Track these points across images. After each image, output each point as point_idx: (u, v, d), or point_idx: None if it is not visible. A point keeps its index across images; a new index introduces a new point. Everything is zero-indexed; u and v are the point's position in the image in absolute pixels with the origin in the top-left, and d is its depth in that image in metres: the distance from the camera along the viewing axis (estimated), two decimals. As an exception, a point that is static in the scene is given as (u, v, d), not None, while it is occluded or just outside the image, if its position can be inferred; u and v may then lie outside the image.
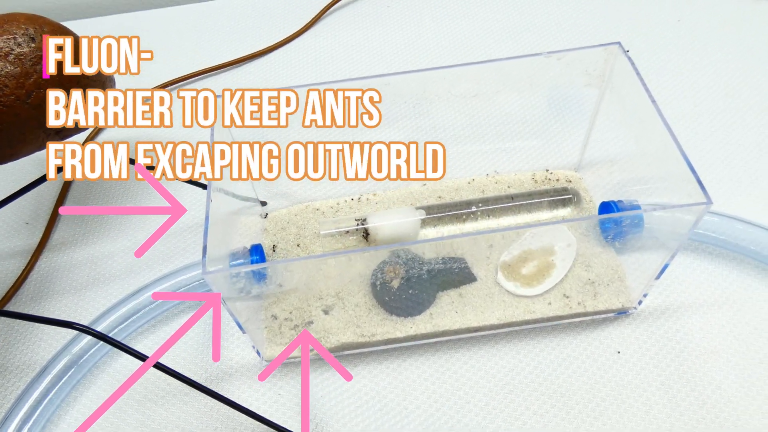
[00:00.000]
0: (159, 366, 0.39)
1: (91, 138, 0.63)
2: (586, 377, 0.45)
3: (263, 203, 0.55)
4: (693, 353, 0.45)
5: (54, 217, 0.57)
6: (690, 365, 0.45)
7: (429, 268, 0.47)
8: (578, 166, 0.55)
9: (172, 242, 0.55)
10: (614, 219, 0.48)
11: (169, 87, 0.67)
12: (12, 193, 0.48)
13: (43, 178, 0.48)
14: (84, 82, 0.47)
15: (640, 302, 0.47)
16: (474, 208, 0.51)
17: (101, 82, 0.49)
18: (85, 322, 0.50)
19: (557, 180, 0.54)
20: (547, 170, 0.55)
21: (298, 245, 0.52)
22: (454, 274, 0.48)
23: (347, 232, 0.51)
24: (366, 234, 0.50)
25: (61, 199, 0.58)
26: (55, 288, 0.53)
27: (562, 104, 0.57)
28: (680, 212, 0.39)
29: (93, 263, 0.54)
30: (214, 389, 0.40)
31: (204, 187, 0.52)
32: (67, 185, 0.59)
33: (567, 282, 0.48)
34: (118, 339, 0.45)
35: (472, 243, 0.49)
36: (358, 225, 0.50)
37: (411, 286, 0.47)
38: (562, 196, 0.52)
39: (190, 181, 0.51)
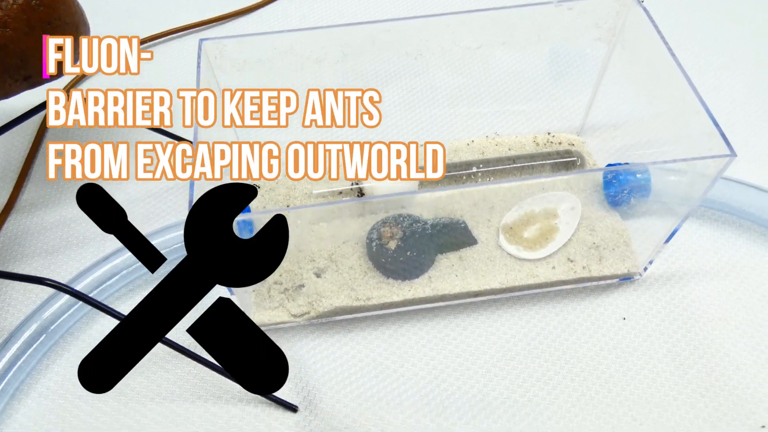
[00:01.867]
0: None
1: (72, 85, 0.59)
2: (591, 344, 0.43)
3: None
4: (700, 320, 0.44)
5: (23, 175, 0.53)
6: (697, 332, 0.43)
7: (428, 229, 0.45)
8: (581, 129, 0.53)
9: (152, 203, 0.51)
10: (620, 180, 0.46)
11: (151, 42, 0.63)
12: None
13: (7, 125, 0.44)
14: (56, 24, 0.43)
15: (645, 268, 0.45)
16: (474, 169, 0.48)
17: (75, 25, 0.45)
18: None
19: (560, 143, 0.52)
20: (549, 133, 0.53)
21: (287, 206, 0.49)
22: (454, 236, 0.46)
23: (341, 192, 0.48)
24: (361, 194, 0.47)
25: (31, 156, 0.54)
26: (24, 251, 0.49)
27: (566, 62, 0.55)
28: (698, 168, 0.37)
29: (66, 225, 0.51)
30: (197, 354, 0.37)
31: (188, 142, 0.48)
32: (38, 141, 0.55)
33: (571, 246, 0.46)
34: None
35: (472, 204, 0.47)
36: (352, 185, 0.47)
37: (409, 247, 0.44)
38: (566, 159, 0.49)
39: (175, 136, 0.47)
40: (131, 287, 0.47)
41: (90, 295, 0.44)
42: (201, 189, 0.36)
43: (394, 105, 0.54)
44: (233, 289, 0.40)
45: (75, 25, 0.44)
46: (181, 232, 0.46)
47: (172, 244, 0.46)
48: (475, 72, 0.55)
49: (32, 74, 0.43)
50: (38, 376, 0.43)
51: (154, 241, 0.46)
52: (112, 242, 0.48)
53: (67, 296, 0.43)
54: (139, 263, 0.45)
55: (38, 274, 0.47)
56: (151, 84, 0.60)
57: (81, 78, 0.60)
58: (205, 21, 0.64)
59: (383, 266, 0.44)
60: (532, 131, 0.53)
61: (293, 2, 0.67)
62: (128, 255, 0.45)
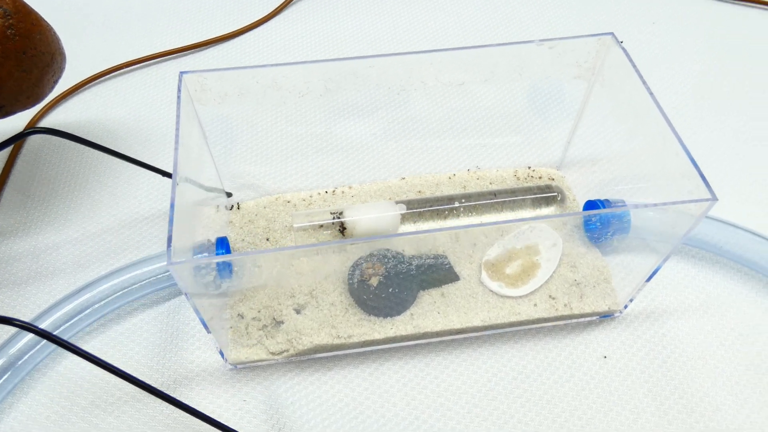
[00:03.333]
0: (109, 367, 0.34)
1: (40, 115, 0.58)
2: (572, 383, 0.43)
3: (228, 194, 0.51)
4: (680, 359, 0.44)
5: (-8, 204, 0.51)
6: (677, 371, 0.43)
7: (410, 266, 0.44)
8: (561, 164, 0.53)
9: (126, 234, 0.50)
10: (600, 218, 0.46)
11: (124, 69, 0.62)
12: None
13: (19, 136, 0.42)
14: (31, 54, 0.42)
15: (626, 306, 0.45)
16: (456, 204, 0.48)
17: (51, 55, 0.44)
18: (25, 319, 0.44)
19: (539, 177, 0.52)
20: (530, 167, 0.53)
21: (267, 239, 0.48)
22: (436, 273, 0.45)
23: (322, 226, 0.47)
24: (342, 228, 0.46)
25: (0, 184, 0.53)
26: (-9, 282, 0.47)
27: (546, 98, 0.55)
28: (679, 211, 0.37)
29: (35, 255, 0.49)
30: (171, 395, 0.36)
31: (167, 174, 0.47)
32: (8, 168, 0.54)
33: (552, 283, 0.45)
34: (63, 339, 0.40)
35: (455, 240, 0.46)
36: (334, 218, 0.47)
37: (391, 284, 0.43)
38: (546, 194, 0.49)
39: (153, 168, 0.46)
40: (102, 321, 0.45)
41: (58, 331, 0.42)
42: (180, 220, 0.35)
43: (377, 137, 0.53)
44: (210, 327, 0.39)
45: (51, 55, 0.43)
46: (162, 263, 0.45)
47: (152, 276, 0.44)
48: (457, 105, 0.55)
49: (5, 104, 0.42)
50: (2, 415, 0.41)
51: (134, 272, 0.44)
52: (82, 274, 0.47)
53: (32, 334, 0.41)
54: (111, 297, 0.44)
55: (5, 307, 0.46)
56: (129, 112, 0.58)
57: (51, 107, 0.58)
58: (183, 48, 0.63)
59: (364, 303, 0.43)
60: (512, 165, 0.53)
61: (274, 29, 0.67)
62: (99, 289, 0.44)
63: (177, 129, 0.38)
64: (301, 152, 0.52)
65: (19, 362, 0.41)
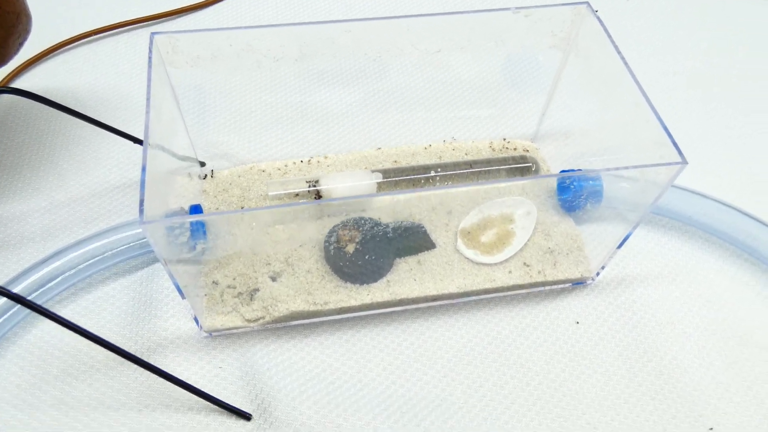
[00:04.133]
0: (83, 332, 0.33)
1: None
2: (545, 347, 0.43)
3: (202, 164, 0.50)
4: (649, 324, 0.45)
5: (-45, 172, 0.50)
6: (647, 336, 0.44)
7: (386, 233, 0.44)
8: (535, 136, 0.53)
9: (96, 203, 0.49)
10: (574, 187, 0.46)
11: (95, 36, 0.60)
12: None
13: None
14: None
15: (598, 273, 0.46)
16: (432, 173, 0.48)
17: (16, 15, 0.42)
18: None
19: (515, 149, 0.52)
20: (505, 139, 0.53)
21: (242, 208, 0.47)
22: (413, 240, 0.45)
23: (297, 195, 0.47)
24: (318, 197, 0.46)
25: (-36, 152, 0.51)
26: (-45, 251, 0.46)
27: (521, 70, 0.55)
28: (649, 176, 0.38)
29: (3, 224, 0.47)
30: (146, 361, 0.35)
31: (138, 141, 0.46)
32: (-29, 136, 0.52)
33: (527, 251, 0.46)
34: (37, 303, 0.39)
35: (431, 209, 0.47)
36: (309, 187, 0.46)
37: (367, 251, 0.43)
38: (521, 165, 0.50)
39: (123, 134, 0.45)
40: (73, 290, 0.44)
41: (30, 297, 0.41)
42: (152, 187, 0.35)
43: (353, 106, 0.53)
44: (185, 293, 0.38)
45: (16, 15, 0.42)
46: (136, 231, 0.44)
47: (124, 244, 0.43)
48: (434, 77, 0.55)
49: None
50: (-31, 386, 0.40)
51: (106, 240, 0.43)
52: (53, 242, 0.46)
53: (3, 299, 0.40)
54: (83, 265, 0.43)
55: (-29, 277, 0.44)
56: (99, 80, 0.57)
57: (18, 72, 0.57)
58: (156, 15, 0.62)
59: (341, 270, 0.43)
60: (488, 137, 0.53)
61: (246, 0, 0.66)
62: (71, 256, 0.43)
63: (148, 92, 0.37)
64: (277, 121, 0.52)
65: (-13, 330, 0.40)
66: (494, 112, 0.54)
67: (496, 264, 0.45)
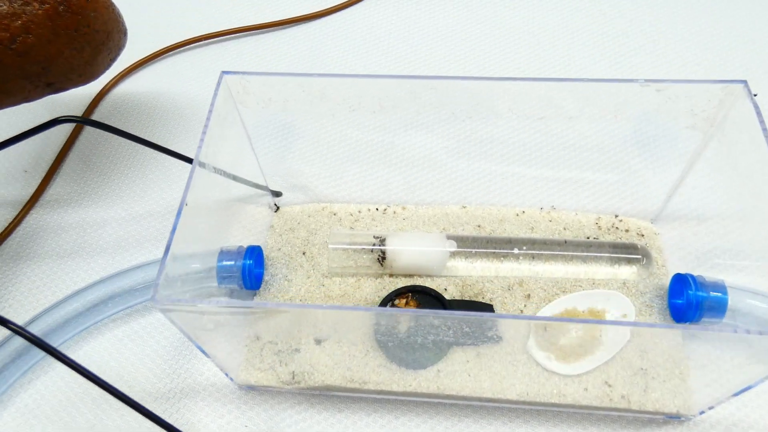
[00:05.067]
0: (91, 377, 0.32)
1: (98, 99, 0.57)
2: (614, 489, 0.36)
3: (276, 194, 0.47)
4: (758, 489, 0.36)
5: (53, 169, 0.51)
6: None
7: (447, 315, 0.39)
8: (657, 217, 0.44)
9: (170, 221, 0.48)
10: (690, 295, 0.38)
11: (203, 41, 0.59)
12: (14, 135, 0.41)
13: (49, 124, 0.41)
14: (84, 32, 0.40)
15: (702, 412, 0.37)
16: (516, 251, 0.42)
17: (106, 33, 0.42)
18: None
19: (626, 231, 0.44)
20: (617, 216, 0.45)
21: (303, 253, 0.44)
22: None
23: (361, 249, 0.42)
24: (382, 257, 0.42)
25: (65, 151, 0.53)
26: (38, 250, 0.47)
27: (651, 139, 0.46)
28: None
29: (83, 228, 0.49)
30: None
31: (189, 160, 0.44)
32: (73, 137, 0.54)
33: (612, 366, 0.38)
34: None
35: (506, 288, 0.41)
36: (374, 245, 0.42)
37: (421, 331, 0.38)
38: (629, 255, 0.42)
39: (176, 154, 0.43)
40: (115, 317, 0.44)
41: (78, 318, 0.41)
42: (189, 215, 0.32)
43: (441, 152, 0.47)
44: (214, 348, 0.36)
45: (106, 33, 0.41)
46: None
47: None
48: (539, 129, 0.47)
49: (55, 81, 0.41)
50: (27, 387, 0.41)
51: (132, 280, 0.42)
52: (122, 256, 0.46)
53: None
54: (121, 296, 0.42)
55: (45, 278, 0.46)
56: (171, 96, 0.56)
57: (110, 88, 0.57)
58: (265, 24, 0.60)
59: (387, 347, 0.39)
60: (596, 210, 0.45)
61: (363, 12, 0.61)
62: (109, 288, 0.42)
63: (205, 126, 0.34)
64: (357, 159, 0.48)
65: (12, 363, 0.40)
66: (610, 178, 0.46)
67: (570, 376, 0.38)
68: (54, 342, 0.40)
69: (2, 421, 0.39)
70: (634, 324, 0.37)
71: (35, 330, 0.40)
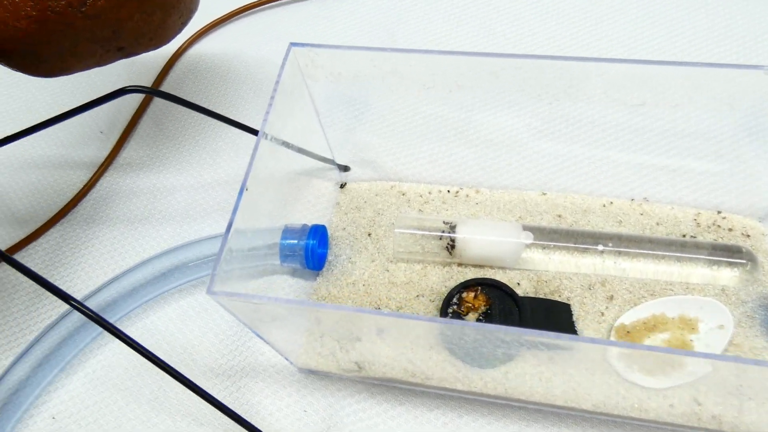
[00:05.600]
0: (147, 355, 0.32)
1: (171, 63, 0.56)
2: None
3: (344, 168, 0.45)
4: None
5: (127, 132, 0.52)
6: None
7: (521, 310, 0.36)
8: (767, 215, 0.39)
9: (196, 196, 0.48)
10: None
11: (273, 3, 0.57)
12: (92, 100, 0.41)
13: (115, 93, 0.41)
14: (155, -5, 0.38)
15: (805, 440, 0.33)
16: (601, 247, 0.38)
17: (178, -5, 0.40)
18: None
19: (729, 230, 0.39)
20: (719, 212, 0.40)
21: (369, 234, 0.42)
22: (552, 325, 0.37)
23: (429, 235, 0.40)
24: (452, 245, 0.39)
25: (138, 115, 0.53)
26: (111, 214, 0.48)
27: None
28: None
29: (153, 194, 0.49)
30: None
31: (255, 132, 0.42)
32: (146, 102, 0.53)
33: (704, 381, 0.35)
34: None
35: (587, 287, 0.37)
36: (443, 232, 0.39)
37: (488, 344, 0.36)
38: (731, 258, 0.37)
39: (241, 125, 0.41)
40: (182, 288, 0.44)
41: (142, 289, 0.42)
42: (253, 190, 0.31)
43: (522, 132, 0.43)
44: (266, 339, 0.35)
45: (176, -2, 0.40)
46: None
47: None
48: (634, 110, 0.43)
49: (125, 45, 0.40)
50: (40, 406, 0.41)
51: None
52: (189, 225, 0.46)
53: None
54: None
55: (116, 243, 0.46)
56: (243, 60, 0.55)
57: (182, 52, 0.56)
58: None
59: (454, 343, 0.37)
60: (695, 203, 0.41)
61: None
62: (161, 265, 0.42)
63: (272, 99, 0.33)
64: (431, 136, 0.45)
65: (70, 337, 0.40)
66: (713, 168, 0.41)
67: (654, 389, 0.35)
68: (120, 312, 0.41)
69: (72, 386, 0.40)
70: (725, 359, 0.33)
71: (102, 299, 0.40)
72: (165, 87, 0.55)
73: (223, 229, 0.45)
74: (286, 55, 0.34)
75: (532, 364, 0.36)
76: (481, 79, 0.33)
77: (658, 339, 0.36)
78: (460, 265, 0.40)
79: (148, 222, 0.47)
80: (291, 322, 0.34)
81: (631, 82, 0.31)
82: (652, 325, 0.36)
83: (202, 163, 0.50)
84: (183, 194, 0.48)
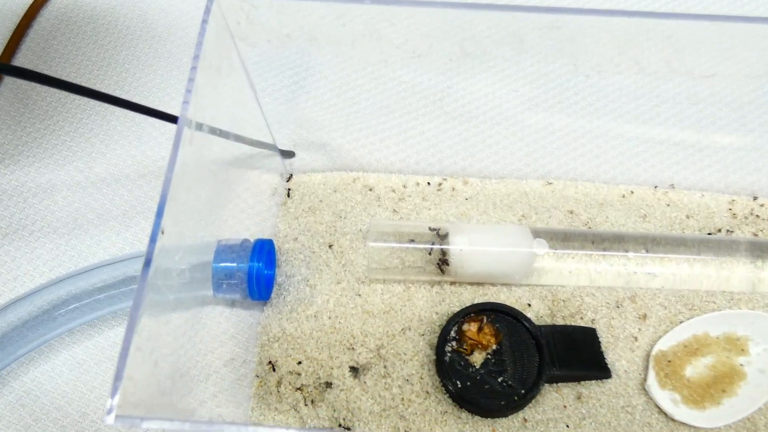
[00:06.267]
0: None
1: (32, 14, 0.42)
2: None
3: (288, 154, 0.35)
4: None
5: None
6: None
7: (535, 340, 0.28)
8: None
9: (139, 187, 0.36)
10: None
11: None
12: None
13: None
14: None
15: None
16: (631, 254, 0.31)
17: None
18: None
19: (770, 219, 0.33)
20: (755, 198, 0.34)
21: (330, 246, 0.33)
22: (575, 357, 0.29)
23: (412, 240, 0.31)
24: (444, 260, 0.30)
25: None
26: None
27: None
28: None
29: (23, 197, 0.36)
30: None
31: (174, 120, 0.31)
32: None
33: (765, 413, 0.29)
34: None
35: (614, 304, 0.30)
36: (432, 244, 0.30)
37: (501, 368, 0.28)
38: (780, 258, 0.31)
39: (151, 111, 0.30)
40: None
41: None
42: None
43: (520, 103, 0.35)
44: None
45: None
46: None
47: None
48: (659, 76, 0.35)
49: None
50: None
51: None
52: (83, 236, 0.34)
53: None
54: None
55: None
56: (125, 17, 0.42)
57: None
58: None
59: (456, 389, 0.28)
60: (729, 189, 0.34)
61: None
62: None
63: (192, 72, 0.22)
64: (401, 111, 0.35)
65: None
66: (748, 143, 0.34)
67: (706, 428, 0.29)
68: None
69: None
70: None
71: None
72: (24, 54, 0.40)
73: (126, 243, 0.34)
74: (208, 7, 0.23)
75: (555, 407, 0.29)
76: (498, 44, 0.23)
77: (701, 365, 0.30)
78: (453, 283, 0.31)
79: (18, 237, 0.35)
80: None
81: (649, 38, 0.23)
82: (695, 349, 0.30)
83: (89, 152, 0.38)
84: (66, 195, 0.37)
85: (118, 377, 0.17)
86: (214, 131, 0.28)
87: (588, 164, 0.34)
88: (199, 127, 0.25)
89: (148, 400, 0.18)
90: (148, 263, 0.20)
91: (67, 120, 0.39)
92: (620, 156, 0.34)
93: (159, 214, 0.21)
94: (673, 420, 0.29)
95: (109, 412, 0.17)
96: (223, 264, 0.30)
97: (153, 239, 0.20)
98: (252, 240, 0.31)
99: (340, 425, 0.28)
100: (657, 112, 0.35)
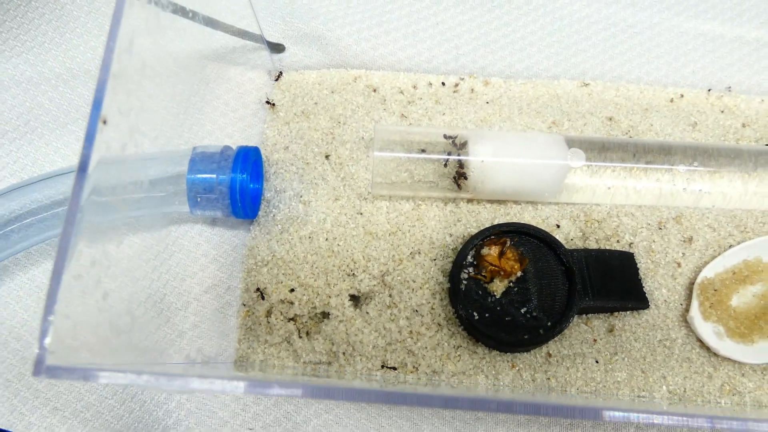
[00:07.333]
0: None
1: None
2: None
3: (277, 47, 0.30)
4: None
5: None
6: None
7: (565, 266, 0.25)
8: None
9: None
10: None
11: None
12: None
13: None
14: None
15: None
16: (681, 167, 0.27)
17: None
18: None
19: (839, 129, 0.29)
20: (824, 104, 0.29)
21: (327, 157, 0.29)
22: (609, 287, 0.26)
23: (423, 150, 0.27)
24: (462, 173, 0.26)
25: None
26: None
27: None
28: None
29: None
30: None
31: None
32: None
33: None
34: None
35: (656, 225, 0.27)
36: (449, 154, 0.26)
37: (526, 296, 0.25)
38: None
39: None
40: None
41: None
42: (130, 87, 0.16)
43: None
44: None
45: None
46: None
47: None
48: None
49: None
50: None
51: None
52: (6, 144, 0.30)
53: None
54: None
55: None
56: None
57: None
58: None
59: (472, 321, 0.25)
60: (791, 91, 0.30)
61: None
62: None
63: None
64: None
65: None
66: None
67: (753, 364, 0.26)
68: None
69: None
70: None
71: None
72: None
73: (71, 157, 0.30)
74: None
75: (584, 339, 0.26)
76: None
77: (749, 294, 0.26)
78: (470, 201, 0.27)
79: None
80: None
81: None
82: (744, 276, 0.27)
83: (42, 43, 0.32)
84: (14, 94, 0.33)
85: (47, 313, 0.13)
86: (176, 9, 0.23)
87: (631, 63, 0.30)
88: (160, 3, 0.21)
89: (95, 342, 0.14)
90: (83, 168, 0.15)
91: (13, 2, 0.33)
92: (668, 54, 0.30)
93: (97, 103, 0.16)
94: (716, 355, 0.26)
95: (39, 363, 0.13)
96: (200, 176, 0.26)
97: (90, 136, 0.16)
98: (234, 148, 0.27)
99: (383, 366, 0.25)
100: (712, 3, 0.30)
